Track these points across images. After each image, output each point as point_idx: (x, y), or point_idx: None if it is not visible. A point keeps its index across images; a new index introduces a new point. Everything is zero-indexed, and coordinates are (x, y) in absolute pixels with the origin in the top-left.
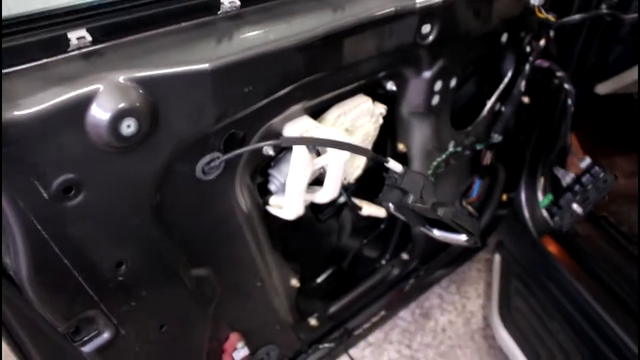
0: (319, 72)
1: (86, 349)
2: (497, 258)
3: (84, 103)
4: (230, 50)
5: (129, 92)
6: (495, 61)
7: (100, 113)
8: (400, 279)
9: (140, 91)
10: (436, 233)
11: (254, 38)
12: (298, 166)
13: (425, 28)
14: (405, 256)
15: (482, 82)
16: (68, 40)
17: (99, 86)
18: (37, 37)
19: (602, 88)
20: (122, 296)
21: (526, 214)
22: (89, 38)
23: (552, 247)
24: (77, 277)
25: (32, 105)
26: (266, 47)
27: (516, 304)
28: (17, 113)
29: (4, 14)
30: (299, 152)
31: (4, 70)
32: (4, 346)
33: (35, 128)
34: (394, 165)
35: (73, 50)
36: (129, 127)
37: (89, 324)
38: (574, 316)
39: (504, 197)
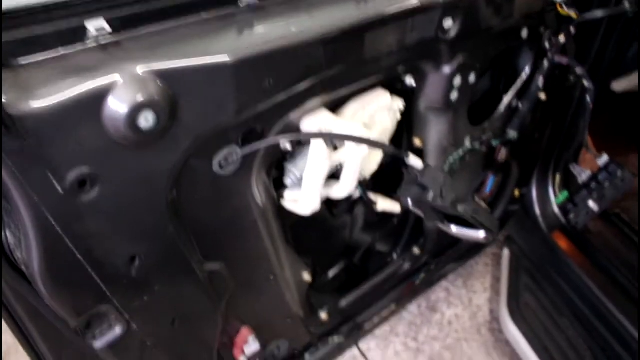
0: (339, 66)
1: (97, 344)
2: (506, 253)
3: (101, 95)
4: (252, 43)
5: (148, 85)
6: (513, 57)
7: (117, 106)
8: (411, 273)
9: (159, 84)
10: (454, 229)
11: (275, 30)
12: (316, 161)
13: (447, 22)
14: (416, 250)
15: (498, 78)
16: (86, 30)
17: (117, 78)
18: (55, 27)
19: (618, 85)
20: (134, 291)
21: (537, 209)
22: (107, 29)
23: (562, 243)
24: (89, 271)
25: (49, 97)
26: (288, 40)
27: (525, 299)
28: (34, 104)
29: (21, 3)
30: (318, 147)
31: (22, 61)
32: (9, 337)
33: (51, 120)
34: (414, 161)
35: (91, 41)
36: (146, 120)
37: (101, 319)
38: (584, 312)
39: (516, 192)
